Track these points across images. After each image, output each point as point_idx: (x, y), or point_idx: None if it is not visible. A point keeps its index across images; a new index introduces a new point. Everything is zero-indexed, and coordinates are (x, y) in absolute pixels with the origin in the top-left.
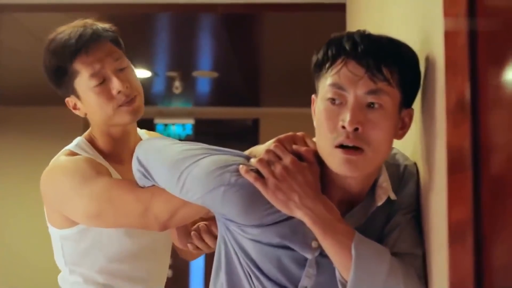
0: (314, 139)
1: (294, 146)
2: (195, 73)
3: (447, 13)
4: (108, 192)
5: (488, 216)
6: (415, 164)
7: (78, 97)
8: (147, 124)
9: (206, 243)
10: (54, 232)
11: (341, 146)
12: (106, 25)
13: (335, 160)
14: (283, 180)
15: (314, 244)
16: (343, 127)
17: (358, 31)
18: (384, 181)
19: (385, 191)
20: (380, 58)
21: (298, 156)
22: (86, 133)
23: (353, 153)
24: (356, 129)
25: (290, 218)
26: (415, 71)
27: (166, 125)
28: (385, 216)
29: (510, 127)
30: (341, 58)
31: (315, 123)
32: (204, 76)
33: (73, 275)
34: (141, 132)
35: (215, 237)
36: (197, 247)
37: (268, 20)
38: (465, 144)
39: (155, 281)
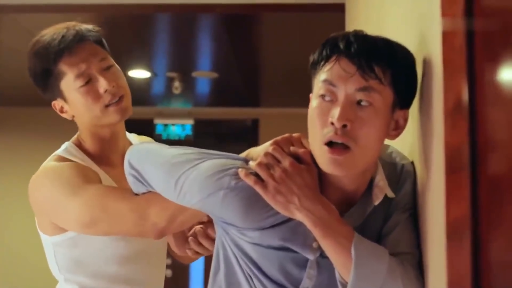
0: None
1: (292, 148)
2: (194, 74)
3: (445, 13)
4: (100, 200)
5: (486, 214)
6: (412, 163)
7: (64, 99)
8: (147, 124)
9: (205, 247)
10: (46, 240)
11: (329, 144)
12: (89, 26)
13: (323, 160)
14: (283, 182)
15: (314, 245)
16: (332, 123)
17: (354, 31)
18: (381, 180)
19: (381, 190)
20: (372, 56)
21: (296, 157)
22: (74, 137)
23: (339, 153)
24: (344, 126)
25: (289, 220)
26: (410, 72)
27: (165, 125)
28: (382, 216)
29: (507, 126)
30: (335, 56)
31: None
32: (204, 76)
33: (69, 283)
34: (131, 136)
35: (213, 240)
36: (196, 252)
37: (268, 21)
38: (463, 144)
39: (153, 283)
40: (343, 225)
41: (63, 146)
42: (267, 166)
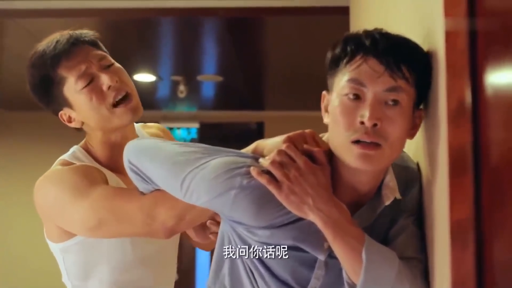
0: (321, 136)
1: (306, 146)
2: (199, 77)
3: (447, 14)
4: (107, 201)
5: (489, 215)
6: (417, 164)
7: (70, 106)
8: None
9: None
10: (55, 248)
11: (358, 142)
12: (84, 31)
13: (351, 154)
14: (297, 182)
15: (325, 245)
16: (362, 122)
17: (376, 29)
18: (391, 181)
19: (392, 191)
20: (400, 56)
21: (309, 155)
22: (82, 142)
23: (371, 148)
24: (374, 125)
25: (300, 219)
26: (429, 71)
27: (171, 129)
28: (389, 218)
29: (510, 128)
30: (360, 54)
31: (326, 119)
32: (209, 80)
33: None
34: (137, 127)
35: None
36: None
37: (272, 24)
38: (466, 146)
39: (164, 287)
40: (355, 227)
41: (71, 150)
42: (281, 165)
